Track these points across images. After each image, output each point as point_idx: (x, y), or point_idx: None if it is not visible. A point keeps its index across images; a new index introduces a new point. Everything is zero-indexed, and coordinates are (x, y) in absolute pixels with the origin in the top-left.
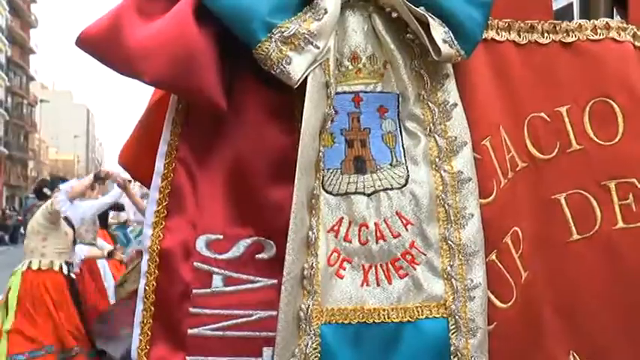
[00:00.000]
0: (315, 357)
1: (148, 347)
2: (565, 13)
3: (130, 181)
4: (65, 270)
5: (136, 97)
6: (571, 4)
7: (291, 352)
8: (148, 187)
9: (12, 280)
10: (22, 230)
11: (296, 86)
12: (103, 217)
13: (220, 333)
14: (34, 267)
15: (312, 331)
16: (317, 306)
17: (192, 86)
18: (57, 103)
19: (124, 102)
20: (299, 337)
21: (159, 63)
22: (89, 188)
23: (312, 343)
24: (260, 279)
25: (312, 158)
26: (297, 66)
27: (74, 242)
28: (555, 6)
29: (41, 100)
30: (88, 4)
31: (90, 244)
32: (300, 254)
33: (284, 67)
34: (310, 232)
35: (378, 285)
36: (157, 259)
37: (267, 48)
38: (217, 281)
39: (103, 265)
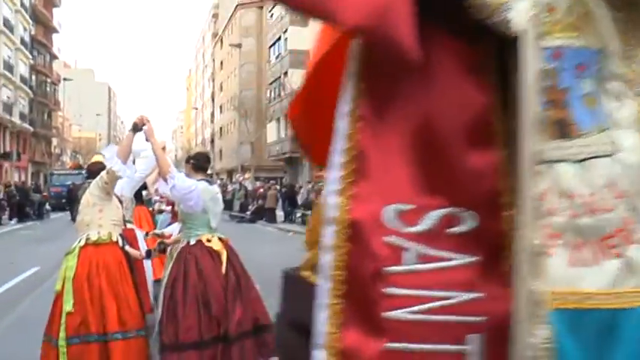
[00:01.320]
0: (547, 347)
1: (338, 331)
2: None
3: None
4: (120, 243)
5: (157, 75)
6: None
7: (526, 343)
8: (318, 158)
9: (68, 260)
10: (47, 206)
11: (513, 37)
12: (137, 194)
13: (420, 317)
14: (93, 238)
15: (543, 318)
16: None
17: (388, 36)
18: (79, 81)
19: (145, 81)
20: (532, 325)
21: (360, 14)
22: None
23: (545, 331)
24: (455, 256)
25: (533, 119)
26: (517, 13)
27: (123, 218)
28: None
29: (64, 79)
30: None
31: (128, 221)
32: (531, 227)
33: (503, 14)
34: (535, 203)
35: (589, 265)
36: (348, 231)
37: None
38: (409, 258)
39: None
